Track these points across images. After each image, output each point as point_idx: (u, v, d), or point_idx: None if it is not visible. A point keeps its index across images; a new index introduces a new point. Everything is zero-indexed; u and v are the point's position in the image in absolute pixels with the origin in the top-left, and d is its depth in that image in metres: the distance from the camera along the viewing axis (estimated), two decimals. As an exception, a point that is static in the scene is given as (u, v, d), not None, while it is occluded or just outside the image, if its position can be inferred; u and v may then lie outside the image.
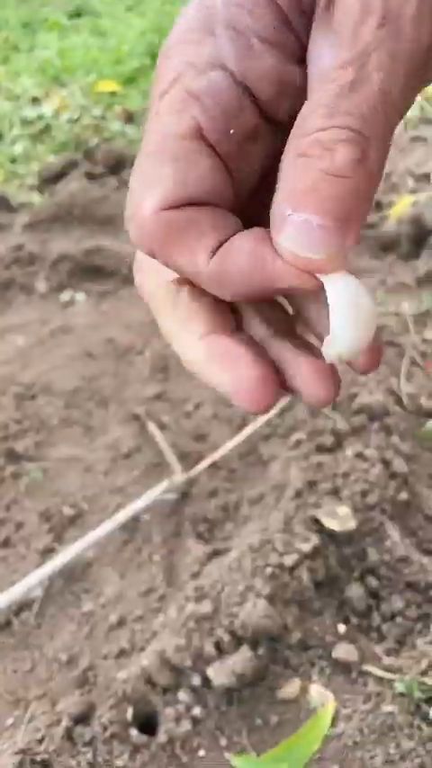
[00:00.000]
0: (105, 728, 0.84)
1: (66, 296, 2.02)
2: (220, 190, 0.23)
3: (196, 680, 0.87)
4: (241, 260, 0.22)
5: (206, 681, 0.88)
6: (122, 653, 0.98)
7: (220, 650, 0.89)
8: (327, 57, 0.21)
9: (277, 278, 0.22)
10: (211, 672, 0.87)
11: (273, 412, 1.35)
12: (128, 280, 2.08)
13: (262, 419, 1.36)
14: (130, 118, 2.64)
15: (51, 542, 1.22)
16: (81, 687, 0.94)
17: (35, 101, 2.87)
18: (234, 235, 0.22)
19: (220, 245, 0.22)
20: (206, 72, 0.22)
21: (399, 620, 0.96)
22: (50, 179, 2.35)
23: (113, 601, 1.09)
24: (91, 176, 2.30)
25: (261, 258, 0.22)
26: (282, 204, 0.21)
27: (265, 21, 0.22)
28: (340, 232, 0.21)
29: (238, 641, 0.89)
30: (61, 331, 1.90)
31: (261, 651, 0.90)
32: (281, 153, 0.22)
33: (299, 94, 0.23)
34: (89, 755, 0.81)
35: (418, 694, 0.87)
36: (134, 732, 0.84)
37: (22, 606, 1.11)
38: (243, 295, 0.23)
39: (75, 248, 2.13)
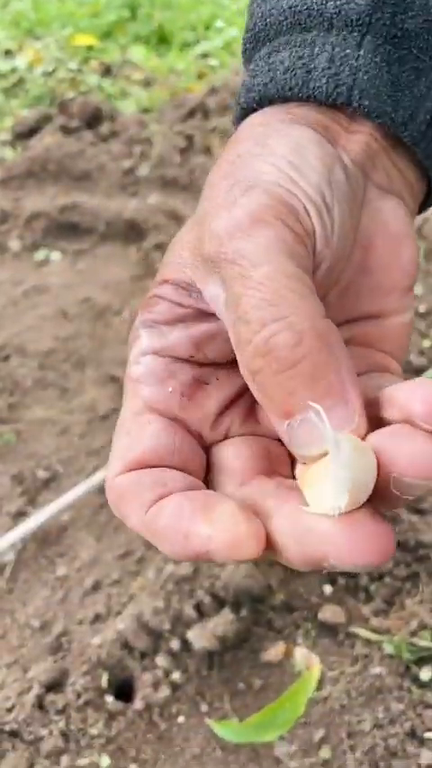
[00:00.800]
0: (79, 695, 0.79)
1: (40, 255, 1.93)
2: (166, 444, 0.25)
3: (175, 644, 0.83)
4: (164, 522, 0.23)
5: (186, 645, 0.83)
6: (98, 618, 0.93)
7: (201, 613, 0.84)
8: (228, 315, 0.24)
9: (195, 546, 0.22)
10: (191, 635, 0.82)
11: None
12: (105, 237, 2.00)
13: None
14: (107, 71, 2.52)
15: (24, 506, 1.16)
16: (54, 654, 0.89)
17: (8, 54, 2.74)
18: (170, 493, 0.24)
19: (155, 502, 0.23)
20: (140, 358, 0.26)
21: (387, 580, 0.92)
22: (24, 134, 2.24)
23: (89, 564, 1.04)
24: (66, 131, 2.19)
25: (181, 529, 0.22)
26: (276, 423, 0.23)
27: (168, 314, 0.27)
28: (342, 406, 0.21)
29: (219, 603, 0.85)
30: (35, 291, 1.82)
31: (243, 613, 0.85)
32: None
33: (221, 337, 0.26)
34: (61, 724, 0.77)
35: (407, 655, 0.83)
36: (110, 699, 0.80)
37: (-8, 571, 1.05)
38: (170, 553, 0.23)
39: (49, 205, 2.04)
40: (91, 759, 0.75)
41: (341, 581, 0.93)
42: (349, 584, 0.93)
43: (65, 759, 0.74)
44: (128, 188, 2.09)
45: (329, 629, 0.88)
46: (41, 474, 1.24)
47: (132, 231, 1.91)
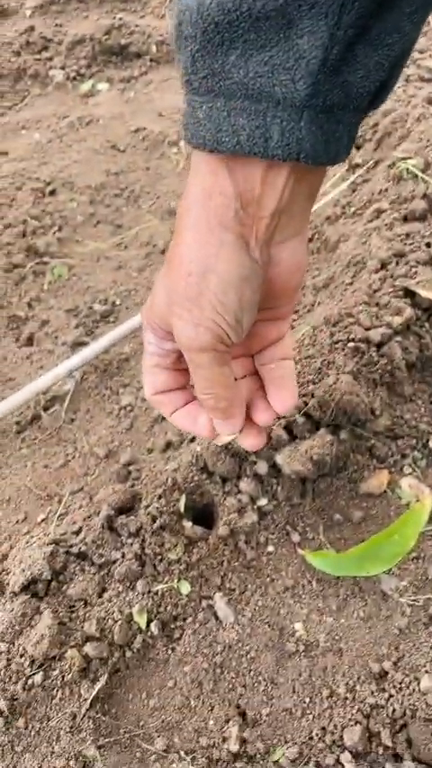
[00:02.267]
0: (154, 519, 0.69)
1: (86, 85, 1.71)
2: (174, 382, 0.53)
3: (262, 468, 0.71)
4: (180, 422, 0.53)
5: (275, 469, 0.72)
6: (170, 445, 0.82)
7: (292, 434, 0.72)
8: None
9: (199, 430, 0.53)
10: (280, 459, 0.71)
11: (341, 187, 1.10)
12: (157, 62, 1.75)
13: (321, 200, 1.12)
14: None
15: (81, 337, 1.04)
16: (123, 481, 0.79)
17: None
18: (177, 408, 0.53)
19: (176, 410, 0.53)
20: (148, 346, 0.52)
21: None
22: None
23: (156, 394, 0.92)
24: None
25: (192, 420, 0.53)
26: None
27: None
28: (233, 426, 0.51)
29: (314, 424, 0.72)
30: (82, 123, 1.62)
31: (343, 436, 0.72)
32: None
33: None
34: (135, 547, 0.67)
35: None
36: (188, 524, 0.70)
37: (52, 401, 0.95)
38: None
39: (93, 28, 1.79)
40: (170, 585, 0.66)
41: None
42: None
43: (140, 584, 0.65)
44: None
45: (440, 460, 0.75)
46: (98, 307, 1.11)
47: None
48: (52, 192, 1.41)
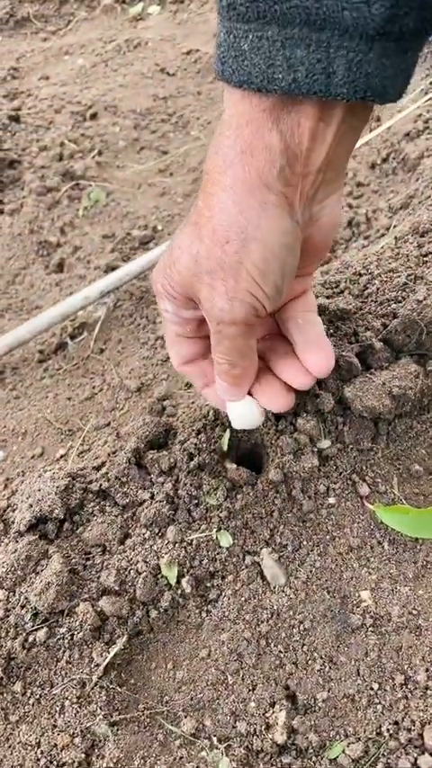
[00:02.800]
0: (191, 457, 0.57)
1: (136, 8, 1.58)
2: (200, 350, 0.50)
3: (327, 402, 0.58)
4: (215, 396, 0.51)
5: (342, 405, 0.58)
6: (213, 378, 0.69)
7: (366, 363, 0.58)
8: None
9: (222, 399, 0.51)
10: (350, 392, 0.57)
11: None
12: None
13: (398, 116, 0.96)
14: None
15: (116, 261, 0.92)
16: (156, 416, 0.67)
17: None
18: (207, 384, 0.52)
19: (207, 385, 0.52)
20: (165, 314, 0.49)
21: None
22: None
23: (199, 323, 0.80)
24: None
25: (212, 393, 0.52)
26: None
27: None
28: (230, 388, 0.48)
29: (395, 351, 0.58)
30: (130, 47, 1.49)
31: (431, 368, 0.59)
32: None
33: None
34: (167, 486, 0.55)
35: None
36: (232, 465, 0.57)
37: (80, 328, 0.84)
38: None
39: None
40: (207, 535, 0.54)
41: None
42: None
43: (171, 531, 0.53)
44: None
45: None
46: (137, 233, 0.99)
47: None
48: (93, 116, 1.29)
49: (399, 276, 0.60)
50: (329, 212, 0.42)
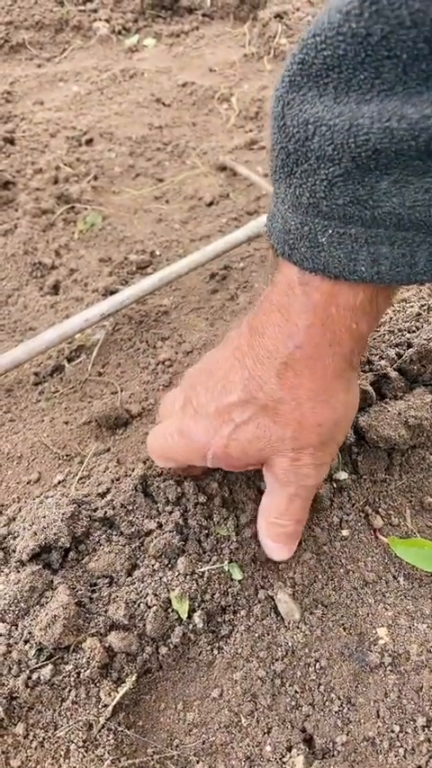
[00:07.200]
0: (199, 487, 0.55)
1: (131, 40, 1.60)
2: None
3: (349, 434, 0.57)
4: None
5: (356, 434, 0.57)
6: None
7: (380, 393, 0.58)
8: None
9: None
10: (364, 421, 0.56)
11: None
12: (210, 17, 1.63)
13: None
14: None
15: (114, 285, 0.91)
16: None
17: None
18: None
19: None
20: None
21: None
22: None
23: (201, 348, 0.79)
24: None
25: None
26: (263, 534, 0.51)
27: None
28: (280, 548, 0.50)
29: (409, 381, 0.58)
30: (125, 76, 1.50)
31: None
32: None
33: None
34: (176, 515, 0.53)
35: None
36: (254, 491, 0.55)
37: (77, 350, 0.82)
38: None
39: (143, -18, 1.67)
40: (219, 567, 0.52)
41: None
42: None
43: (182, 563, 0.51)
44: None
45: None
46: (134, 258, 0.98)
47: (244, 4, 1.54)
48: (89, 142, 1.29)
49: (411, 306, 0.60)
50: None
